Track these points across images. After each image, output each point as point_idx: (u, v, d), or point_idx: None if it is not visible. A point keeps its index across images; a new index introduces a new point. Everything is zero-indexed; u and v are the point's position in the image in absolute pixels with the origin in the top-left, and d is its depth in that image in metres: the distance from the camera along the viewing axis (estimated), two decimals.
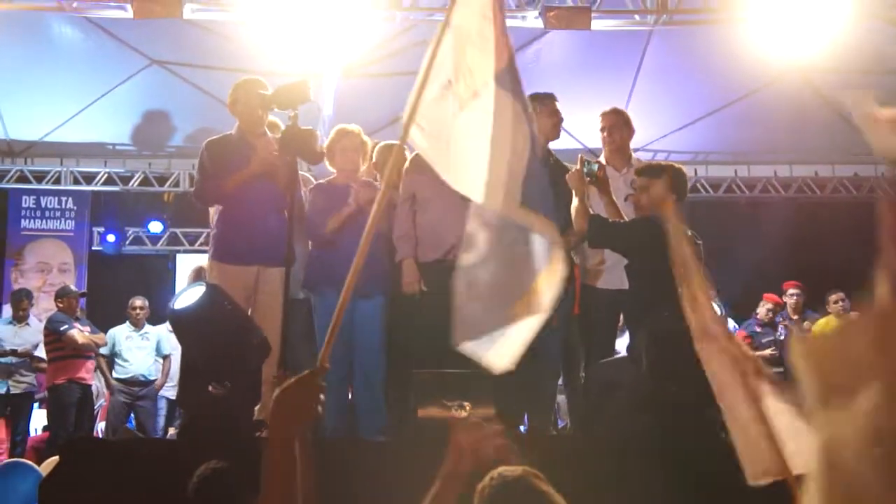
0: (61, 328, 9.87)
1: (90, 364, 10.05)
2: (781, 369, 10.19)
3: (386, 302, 6.04)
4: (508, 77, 2.89)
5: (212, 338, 5.00)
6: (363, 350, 5.94)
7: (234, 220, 5.97)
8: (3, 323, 10.42)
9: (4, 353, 10.09)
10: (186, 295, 5.23)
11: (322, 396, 2.32)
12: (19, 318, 10.45)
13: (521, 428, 6.89)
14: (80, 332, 9.86)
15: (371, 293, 5.87)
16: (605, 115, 6.70)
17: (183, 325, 5.28)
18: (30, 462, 8.20)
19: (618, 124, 6.65)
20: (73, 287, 10.79)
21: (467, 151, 2.87)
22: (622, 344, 7.28)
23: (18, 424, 10.26)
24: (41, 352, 10.37)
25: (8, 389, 10.12)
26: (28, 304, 10.71)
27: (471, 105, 2.86)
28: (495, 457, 2.64)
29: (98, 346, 10.10)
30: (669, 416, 5.00)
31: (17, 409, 10.24)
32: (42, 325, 10.84)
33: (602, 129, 6.67)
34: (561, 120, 6.43)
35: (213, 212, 6.36)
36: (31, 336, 10.37)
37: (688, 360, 5.03)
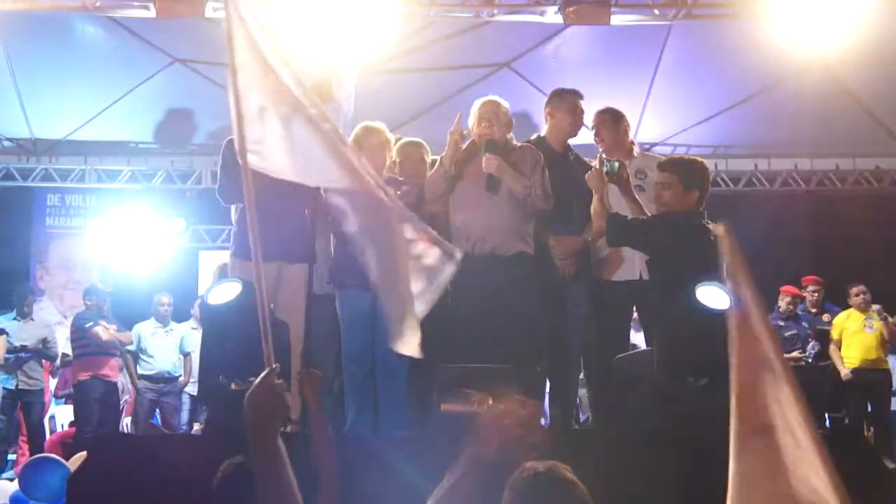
0: (87, 325, 10.03)
1: (114, 361, 10.19)
2: (803, 363, 10.26)
3: None
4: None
5: (243, 335, 5.03)
6: (385, 345, 5.97)
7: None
8: (8, 319, 10.52)
9: (15, 350, 10.24)
10: (221, 290, 5.27)
11: (283, 394, 2.49)
12: (23, 313, 10.59)
13: (543, 422, 7.00)
14: (104, 329, 9.99)
15: None
16: (594, 116, 6.67)
17: (215, 319, 5.32)
18: (58, 457, 8.28)
19: (604, 122, 6.59)
20: (100, 285, 10.92)
21: (310, 151, 3.20)
22: (637, 339, 7.33)
23: (32, 421, 10.46)
24: (67, 348, 10.55)
25: (17, 385, 10.27)
26: (32, 300, 10.91)
27: (295, 117, 3.17)
28: (518, 442, 2.71)
29: (123, 343, 10.24)
30: (690, 410, 5.02)
31: (27, 406, 10.43)
32: (46, 321, 11.05)
33: (592, 129, 6.66)
34: (581, 116, 6.47)
35: (235, 209, 6.42)
36: (36, 331, 10.56)
37: (704, 354, 5.14)
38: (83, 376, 10.04)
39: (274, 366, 2.55)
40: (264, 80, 3.07)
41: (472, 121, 6.16)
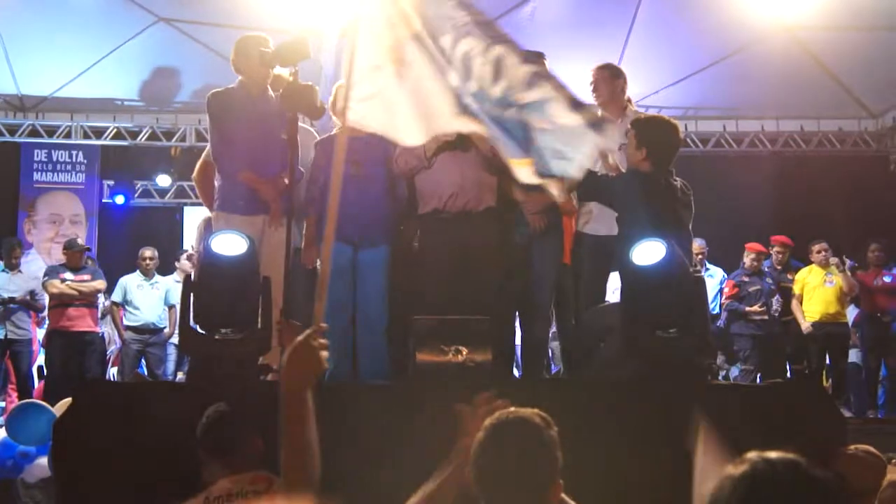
0: (44, 279, 10.37)
1: (75, 311, 10.26)
2: (766, 317, 10.62)
3: (389, 251, 6.10)
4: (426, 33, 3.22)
5: (231, 288, 5.11)
6: (366, 296, 6.02)
7: (238, 172, 6.06)
8: None
9: (3, 301, 10.40)
10: (225, 240, 5.22)
11: (325, 352, 2.56)
12: (11, 265, 10.73)
13: (516, 373, 7.12)
14: (53, 283, 10.23)
15: (376, 242, 6.03)
16: (592, 71, 6.71)
17: (214, 269, 5.25)
18: (43, 403, 8.40)
19: (603, 78, 6.64)
20: (79, 241, 11.06)
21: (416, 107, 3.22)
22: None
23: (20, 369, 10.62)
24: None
25: (6, 335, 10.44)
26: (20, 253, 11.04)
27: (405, 74, 3.19)
28: None
29: (82, 293, 10.28)
30: (658, 362, 5.13)
31: (16, 355, 10.59)
32: (34, 273, 11.16)
33: (590, 84, 6.67)
34: None
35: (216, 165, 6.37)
36: (23, 283, 10.71)
37: (677, 310, 5.33)
38: (49, 327, 10.41)
39: (323, 325, 2.64)
40: (383, 34, 3.12)
41: None
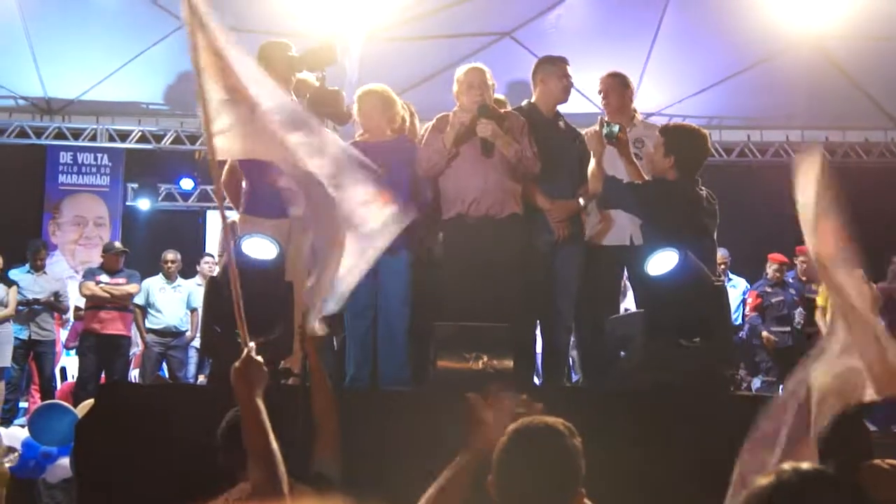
0: (81, 280, 10.49)
1: (107, 315, 10.32)
2: (788, 328, 10.55)
3: (411, 256, 6.05)
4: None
5: (261, 290, 5.10)
6: (387, 302, 5.99)
7: (265, 175, 5.94)
8: (23, 272, 10.68)
9: (28, 303, 10.44)
10: (257, 245, 5.22)
11: (264, 366, 2.90)
12: (36, 267, 10.78)
13: (536, 381, 7.08)
14: (87, 284, 10.32)
15: (396, 248, 5.76)
16: (602, 79, 6.67)
17: (241, 272, 5.31)
18: (66, 404, 8.56)
19: (614, 87, 6.61)
20: (117, 244, 11.13)
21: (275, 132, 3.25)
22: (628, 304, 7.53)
23: (44, 371, 10.68)
24: (81, 302, 10.87)
25: (30, 335, 10.49)
26: (45, 254, 11.12)
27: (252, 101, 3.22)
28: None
29: (114, 296, 10.35)
30: (678, 371, 5.11)
31: (40, 356, 10.64)
32: (58, 275, 11.34)
33: (599, 92, 6.65)
34: (571, 83, 6.46)
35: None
36: (48, 284, 10.77)
37: (697, 320, 5.30)
38: (81, 329, 10.51)
39: (251, 345, 2.94)
40: (225, 79, 3.16)
41: (457, 88, 6.15)
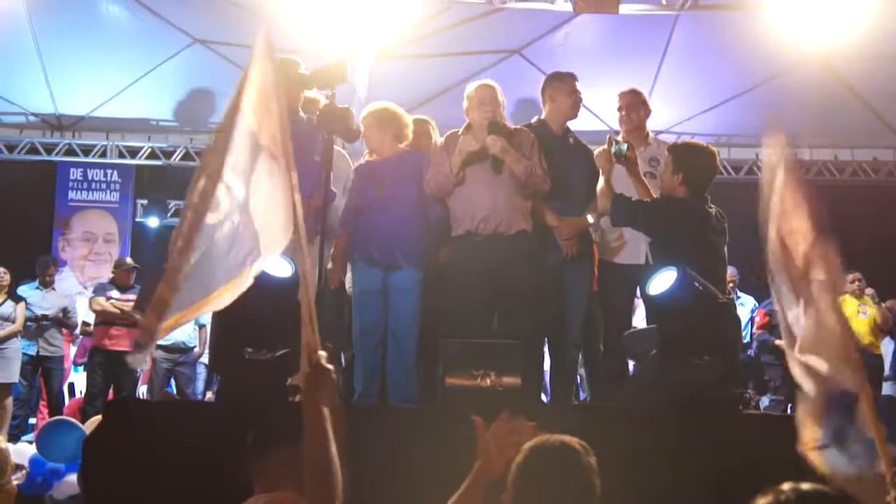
0: (91, 295, 10.46)
1: (117, 331, 10.21)
2: None
3: (419, 273, 6.04)
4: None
5: (272, 308, 5.05)
6: (396, 319, 5.99)
7: None
8: (31, 288, 10.69)
9: (37, 319, 10.44)
10: (276, 263, 5.08)
11: (332, 374, 2.64)
12: (46, 283, 10.79)
13: (544, 398, 7.11)
14: (97, 300, 10.28)
15: (403, 265, 5.97)
16: (622, 94, 6.69)
17: (252, 289, 5.28)
18: (74, 420, 8.53)
19: (635, 104, 6.65)
20: (129, 260, 11.06)
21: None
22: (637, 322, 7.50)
23: (52, 387, 10.68)
24: (89, 317, 10.86)
25: (38, 351, 10.49)
26: (54, 270, 11.12)
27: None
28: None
29: (125, 312, 10.20)
30: (687, 392, 5.09)
31: (48, 372, 10.63)
32: (67, 291, 11.34)
33: (619, 109, 6.66)
34: (580, 99, 6.47)
35: None
36: (57, 300, 10.77)
37: (704, 338, 5.29)
38: (91, 345, 10.45)
39: (320, 352, 2.70)
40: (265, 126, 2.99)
41: (467, 104, 6.17)
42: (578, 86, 6.49)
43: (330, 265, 6.22)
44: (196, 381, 11.04)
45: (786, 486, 1.88)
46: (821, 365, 2.62)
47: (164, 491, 4.45)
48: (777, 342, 10.39)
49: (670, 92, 11.38)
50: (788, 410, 9.83)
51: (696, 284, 5.22)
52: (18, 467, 7.74)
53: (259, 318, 5.10)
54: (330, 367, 2.66)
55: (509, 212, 6.02)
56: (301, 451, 2.55)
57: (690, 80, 11.51)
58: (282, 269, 5.18)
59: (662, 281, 5.27)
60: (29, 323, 10.37)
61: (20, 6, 10.38)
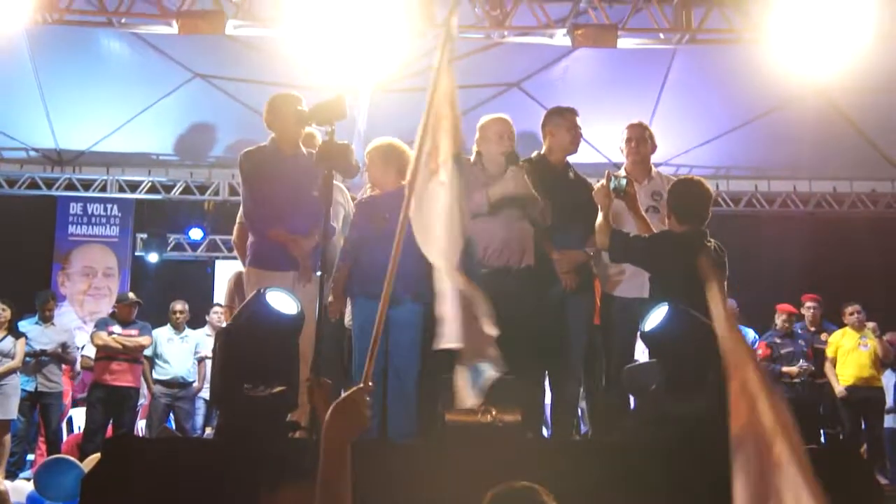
0: (93, 329, 10.42)
1: (118, 366, 10.22)
2: (798, 380, 10.47)
3: (421, 308, 5.90)
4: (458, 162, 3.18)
5: (274, 344, 5.07)
6: (397, 354, 5.91)
7: (269, 229, 6.08)
8: (31, 323, 10.63)
9: (35, 354, 10.36)
10: (281, 300, 5.20)
11: (368, 411, 2.55)
12: (45, 318, 10.71)
13: (545, 433, 7.07)
14: (99, 334, 10.25)
15: (403, 299, 5.85)
16: (631, 127, 6.70)
17: (255, 326, 5.20)
18: (72, 458, 8.47)
19: (643, 137, 6.65)
20: (131, 295, 10.96)
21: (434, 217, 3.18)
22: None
23: (50, 423, 10.56)
24: (88, 352, 10.83)
25: (36, 387, 10.39)
26: (53, 305, 11.04)
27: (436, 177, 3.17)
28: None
29: (126, 347, 10.25)
30: (689, 427, 4.99)
31: (46, 408, 10.52)
32: (66, 326, 11.27)
33: (628, 141, 6.65)
34: (580, 134, 6.49)
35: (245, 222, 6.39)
36: (56, 335, 10.68)
37: (705, 372, 5.27)
38: (91, 380, 10.40)
39: (369, 383, 2.65)
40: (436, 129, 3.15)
41: (480, 136, 6.21)
42: (578, 120, 6.50)
43: (330, 299, 6.20)
44: (195, 416, 11.01)
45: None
46: None
47: None
48: (783, 369, 10.39)
49: (669, 125, 11.36)
50: None
51: (690, 318, 5.20)
52: None
53: (261, 354, 5.10)
54: (367, 399, 2.57)
55: (520, 246, 6.06)
56: (313, 485, 2.48)
57: (689, 113, 11.55)
58: (288, 306, 5.18)
59: (655, 317, 5.26)
60: (28, 358, 10.30)
61: (22, 42, 10.43)
